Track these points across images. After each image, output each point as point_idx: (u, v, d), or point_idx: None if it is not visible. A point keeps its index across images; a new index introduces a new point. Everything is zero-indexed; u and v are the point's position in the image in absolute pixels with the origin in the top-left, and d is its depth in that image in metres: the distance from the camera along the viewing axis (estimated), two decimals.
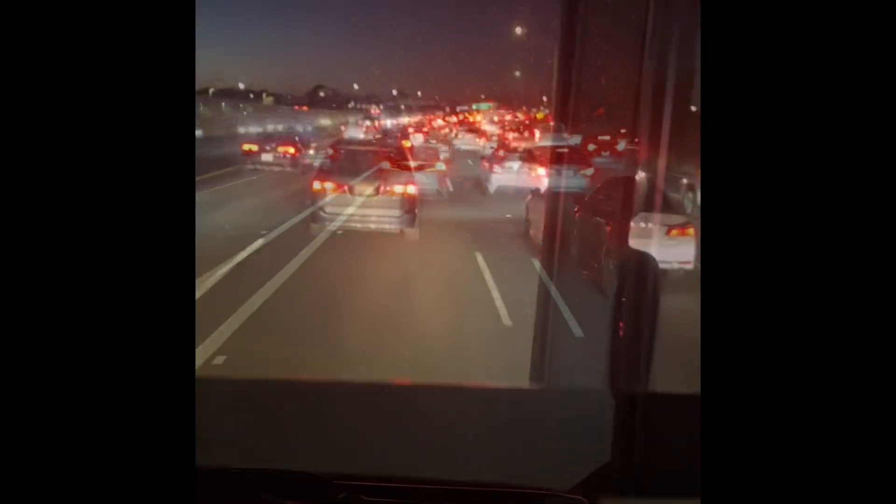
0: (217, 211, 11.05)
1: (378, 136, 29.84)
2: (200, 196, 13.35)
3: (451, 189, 14.34)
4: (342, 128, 38.66)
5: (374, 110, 74.76)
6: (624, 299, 1.16)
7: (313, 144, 20.29)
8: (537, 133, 36.54)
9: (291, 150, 18.62)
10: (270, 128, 28.30)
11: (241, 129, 30.08)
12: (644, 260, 1.17)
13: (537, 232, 9.50)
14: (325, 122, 55.27)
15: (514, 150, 18.83)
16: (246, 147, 18.56)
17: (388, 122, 45.86)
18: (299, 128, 34.45)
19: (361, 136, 31.41)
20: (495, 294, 7.11)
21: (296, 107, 59.59)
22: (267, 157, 18.25)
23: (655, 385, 1.08)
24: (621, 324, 1.16)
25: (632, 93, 1.21)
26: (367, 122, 43.30)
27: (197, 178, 7.25)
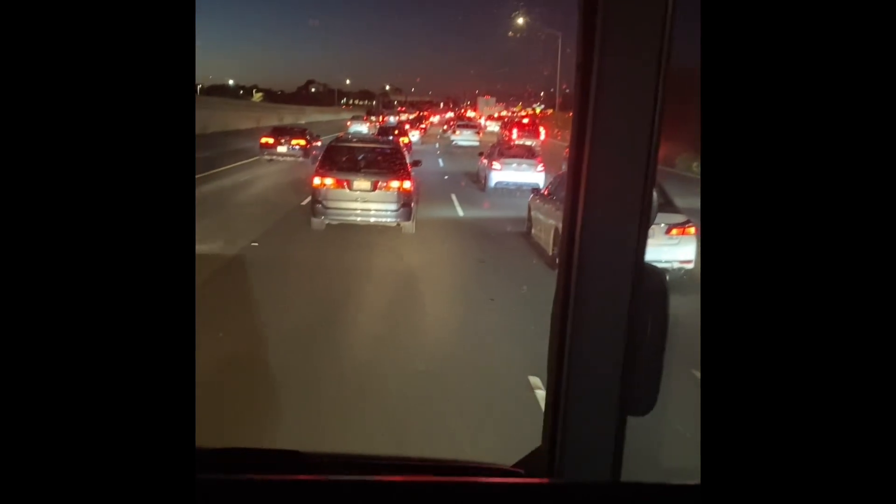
0: (253, 187, 14.60)
1: (374, 132, 28.32)
2: (240, 177, 16.11)
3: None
4: (347, 123, 40.85)
5: (380, 108, 76.22)
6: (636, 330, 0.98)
7: (321, 137, 22.34)
8: (542, 131, 32.83)
9: (302, 142, 19.93)
10: (284, 122, 30.49)
11: (255, 125, 32.72)
12: (658, 279, 0.99)
13: (540, 232, 9.09)
14: (328, 117, 57.80)
15: (513, 146, 18.40)
16: (263, 140, 19.92)
17: (392, 119, 47.36)
18: (305, 122, 36.86)
19: (365, 130, 32.35)
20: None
21: (296, 104, 61.90)
22: (282, 148, 19.58)
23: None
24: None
25: (652, 89, 0.89)
26: (372, 118, 45.16)
27: (228, 167, 11.66)
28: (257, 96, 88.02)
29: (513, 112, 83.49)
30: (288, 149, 19.95)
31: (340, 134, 18.11)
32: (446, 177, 18.12)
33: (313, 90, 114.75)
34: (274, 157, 19.73)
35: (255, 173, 17.12)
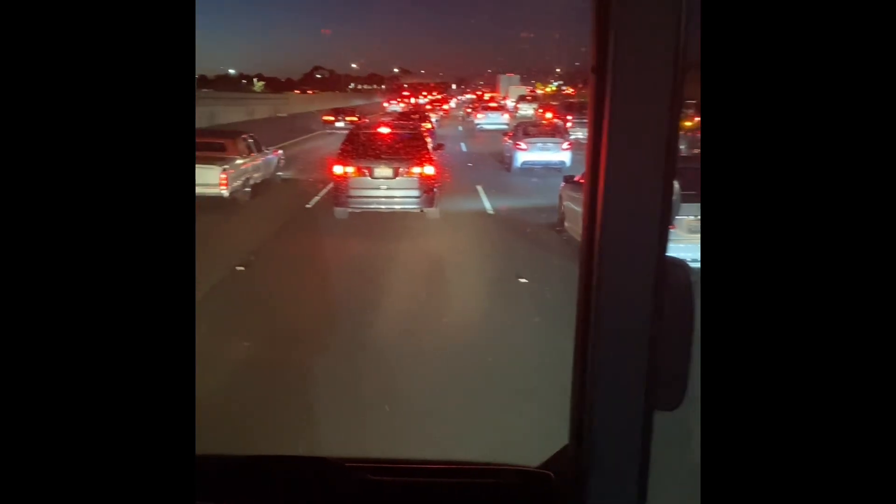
0: (324, 149, 17.73)
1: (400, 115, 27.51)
2: (314, 144, 21.26)
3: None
4: (384, 104, 46.96)
5: (407, 92, 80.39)
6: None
7: (369, 115, 28.19)
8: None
9: (355, 118, 26.06)
10: (335, 105, 36.46)
11: (314, 108, 39.11)
12: (682, 272, 0.95)
13: (574, 224, 8.12)
14: (363, 101, 64.04)
15: (539, 125, 17.91)
16: (325, 118, 27.01)
17: (421, 100, 52.89)
18: (356, 103, 43.22)
19: (400, 109, 38.03)
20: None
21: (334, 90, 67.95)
22: (339, 124, 25.68)
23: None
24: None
25: (669, 84, 0.76)
26: (411, 100, 51.05)
27: (304, 138, 21.25)
28: (258, 85, 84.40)
29: (532, 91, 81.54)
30: (344, 124, 25.60)
31: (358, 120, 21.31)
32: (470, 164, 16.82)
33: (319, 76, 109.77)
34: (334, 131, 25.33)
35: (323, 141, 22.49)
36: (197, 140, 11.21)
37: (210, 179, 10.18)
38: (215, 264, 7.06)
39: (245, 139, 11.68)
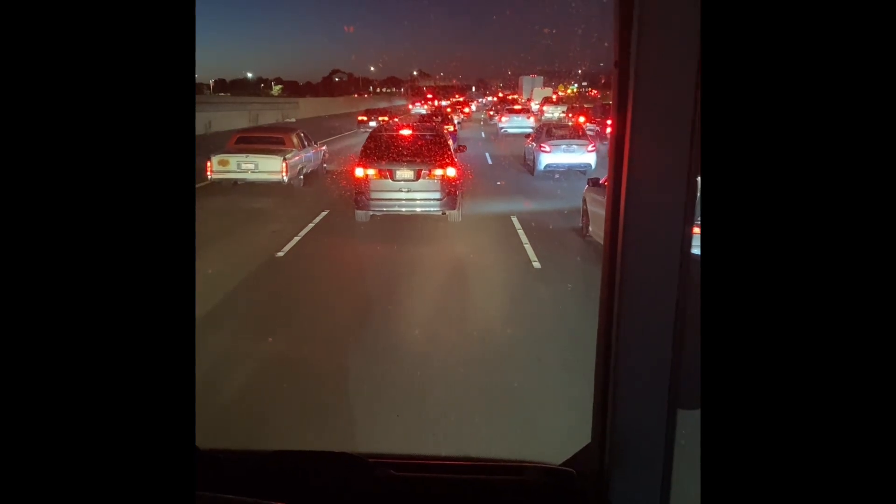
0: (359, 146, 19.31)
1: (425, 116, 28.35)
2: (350, 141, 22.88)
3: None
4: (409, 106, 48.97)
5: (430, 94, 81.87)
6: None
7: (398, 115, 30.28)
8: None
9: (386, 118, 28.32)
10: (364, 107, 38.33)
11: (327, 113, 41.38)
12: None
13: (599, 229, 7.89)
14: (385, 104, 66.22)
15: (562, 127, 17.59)
16: (359, 118, 29.65)
17: (444, 102, 54.71)
18: (381, 106, 45.37)
19: (424, 111, 39.81)
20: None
21: (361, 94, 69.96)
22: (372, 123, 27.52)
23: None
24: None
25: (692, 82, 0.90)
26: (433, 103, 52.91)
27: (338, 136, 24.36)
28: (276, 89, 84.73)
29: (557, 93, 74.35)
30: (377, 123, 27.56)
31: (389, 120, 22.79)
32: (499, 182, 15.24)
33: (337, 79, 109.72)
34: (367, 130, 27.20)
35: (358, 139, 24.17)
36: (260, 135, 13.40)
37: (273, 167, 11.97)
38: (299, 221, 9.73)
39: (299, 134, 13.42)
